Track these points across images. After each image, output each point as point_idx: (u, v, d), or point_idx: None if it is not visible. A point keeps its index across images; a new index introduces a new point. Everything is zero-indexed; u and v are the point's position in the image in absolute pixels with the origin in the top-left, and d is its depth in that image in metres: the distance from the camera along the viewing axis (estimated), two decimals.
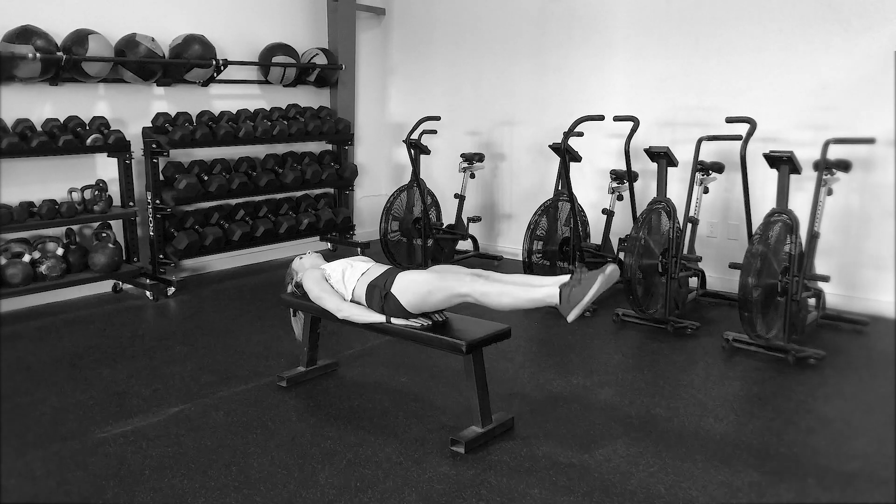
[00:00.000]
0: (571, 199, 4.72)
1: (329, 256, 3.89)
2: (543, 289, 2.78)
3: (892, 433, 3.00)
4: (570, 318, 2.72)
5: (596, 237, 5.17)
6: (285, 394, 3.38)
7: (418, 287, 2.94)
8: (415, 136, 5.75)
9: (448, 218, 6.06)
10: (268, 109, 5.87)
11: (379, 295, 3.02)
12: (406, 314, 2.98)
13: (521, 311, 4.13)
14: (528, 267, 4.66)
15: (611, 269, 2.71)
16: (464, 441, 2.82)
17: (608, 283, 2.69)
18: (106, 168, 5.06)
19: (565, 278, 2.78)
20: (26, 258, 4.49)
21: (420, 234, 5.69)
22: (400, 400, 3.31)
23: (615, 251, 4.95)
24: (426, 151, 5.79)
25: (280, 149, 6.07)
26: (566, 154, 4.72)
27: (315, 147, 6.36)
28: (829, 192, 4.02)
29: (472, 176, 5.97)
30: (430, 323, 3.00)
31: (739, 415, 3.18)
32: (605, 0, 5.49)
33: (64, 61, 4.51)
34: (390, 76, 7.01)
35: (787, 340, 3.82)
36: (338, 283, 3.20)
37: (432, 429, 3.02)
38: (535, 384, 3.51)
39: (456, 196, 5.99)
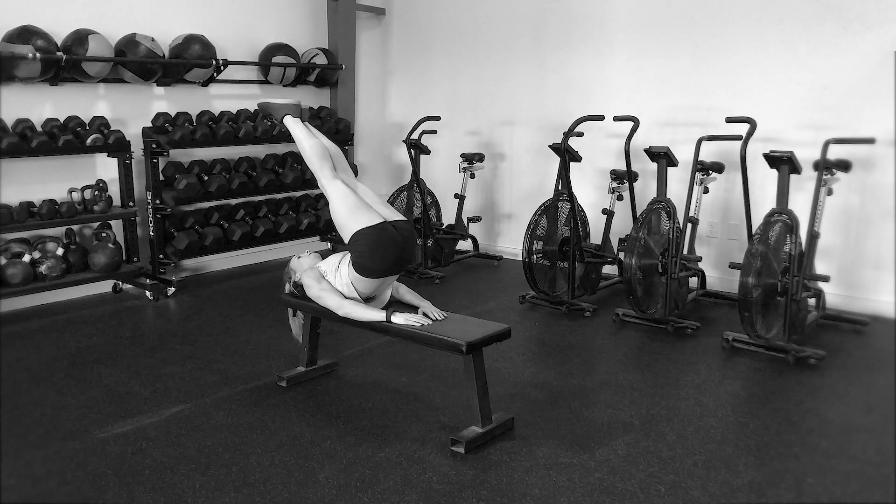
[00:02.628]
0: (571, 199, 4.72)
1: (328, 256, 3.89)
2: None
3: (892, 433, 3.00)
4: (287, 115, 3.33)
5: (596, 237, 5.17)
6: (285, 394, 3.38)
7: (335, 211, 3.09)
8: (415, 136, 5.75)
9: (448, 218, 6.06)
10: None
11: (357, 260, 3.06)
12: (372, 234, 3.01)
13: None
14: (528, 267, 4.66)
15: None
16: (464, 441, 2.83)
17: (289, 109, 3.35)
18: (106, 168, 5.06)
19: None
20: (26, 258, 4.49)
21: (420, 234, 5.69)
22: (400, 400, 3.32)
23: (615, 251, 4.95)
24: (426, 151, 5.79)
25: (280, 149, 6.07)
26: (566, 154, 4.72)
27: None
28: (829, 192, 4.02)
29: (472, 176, 5.97)
30: (430, 322, 3.00)
31: (739, 415, 3.19)
32: (605, 0, 5.49)
33: (64, 61, 4.51)
34: (390, 76, 7.01)
35: (787, 340, 3.82)
36: (333, 276, 3.19)
37: (432, 429, 3.02)
38: (535, 384, 3.51)
39: (456, 196, 5.99)
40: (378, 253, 3.01)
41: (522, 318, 4.57)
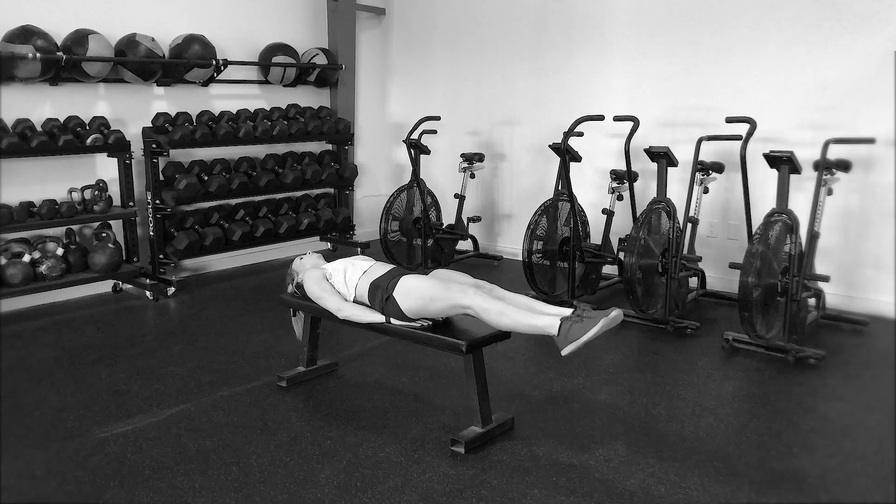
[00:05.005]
0: (571, 199, 4.72)
1: (329, 256, 3.89)
2: (544, 318, 2.73)
3: (892, 433, 3.00)
4: (565, 352, 2.66)
5: (596, 237, 5.16)
6: (285, 394, 3.38)
7: (421, 293, 2.93)
8: (415, 136, 5.75)
9: (448, 218, 6.06)
10: (268, 109, 5.87)
11: (381, 296, 3.02)
12: (405, 318, 2.98)
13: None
14: (528, 267, 4.66)
15: (615, 313, 2.64)
16: (464, 441, 2.82)
17: (610, 325, 2.63)
18: (106, 168, 5.06)
19: (568, 312, 2.75)
20: (26, 258, 4.49)
21: (420, 234, 5.69)
22: (400, 400, 3.31)
23: (615, 251, 4.95)
24: (426, 151, 5.79)
25: (280, 149, 6.07)
26: (566, 154, 4.72)
27: (315, 147, 6.36)
28: (829, 192, 4.02)
29: (472, 176, 5.97)
30: (430, 323, 3.00)
31: (739, 415, 3.18)
32: (605, 0, 5.49)
33: (64, 61, 4.51)
34: (390, 76, 7.01)
35: (787, 340, 3.82)
36: (339, 284, 3.20)
37: (432, 429, 3.02)
38: (535, 384, 3.51)
39: (456, 196, 5.99)
40: (401, 319, 3.01)
41: None
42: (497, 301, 2.82)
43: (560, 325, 2.66)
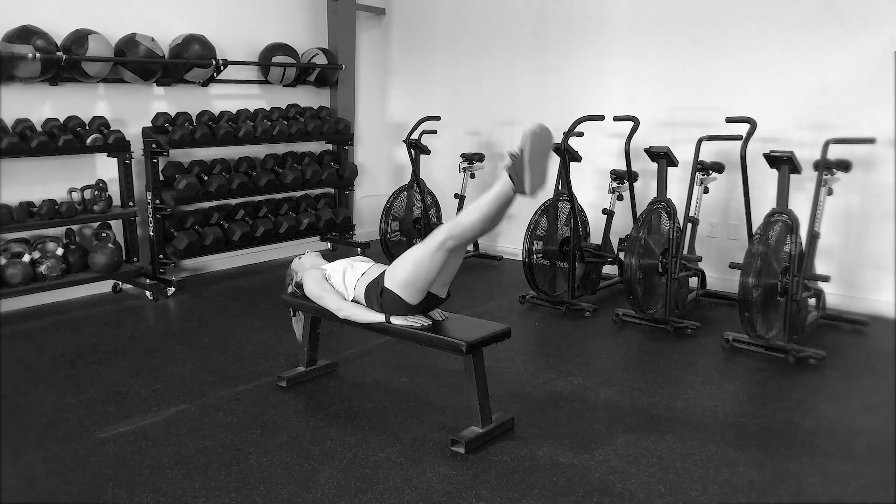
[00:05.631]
0: (571, 199, 4.72)
1: (329, 256, 3.89)
2: (496, 186, 2.75)
3: (892, 433, 3.00)
4: (528, 188, 2.66)
5: (596, 237, 5.16)
6: (285, 394, 3.38)
7: (404, 265, 2.90)
8: (415, 136, 5.76)
9: (448, 218, 6.05)
10: (268, 109, 5.87)
11: (376, 293, 3.02)
12: (404, 305, 2.95)
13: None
14: (528, 267, 4.66)
15: (532, 126, 2.65)
16: (464, 441, 2.82)
17: (538, 138, 2.64)
18: (106, 168, 5.06)
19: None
20: (26, 258, 4.49)
21: (420, 234, 5.69)
22: (400, 400, 3.31)
23: (615, 251, 4.95)
24: (426, 151, 5.79)
25: (280, 149, 6.07)
26: (566, 154, 4.72)
27: (315, 147, 6.36)
28: (829, 192, 4.02)
29: (472, 176, 5.97)
30: (430, 323, 3.00)
31: (739, 415, 3.18)
32: (605, 0, 5.49)
33: (64, 61, 4.51)
34: (390, 76, 7.01)
35: (787, 340, 3.82)
36: (338, 284, 3.20)
37: (432, 429, 3.02)
38: (535, 384, 3.51)
39: (456, 196, 5.99)
40: (395, 311, 2.99)
41: (522, 318, 4.57)
42: (460, 213, 2.86)
43: (509, 176, 2.70)
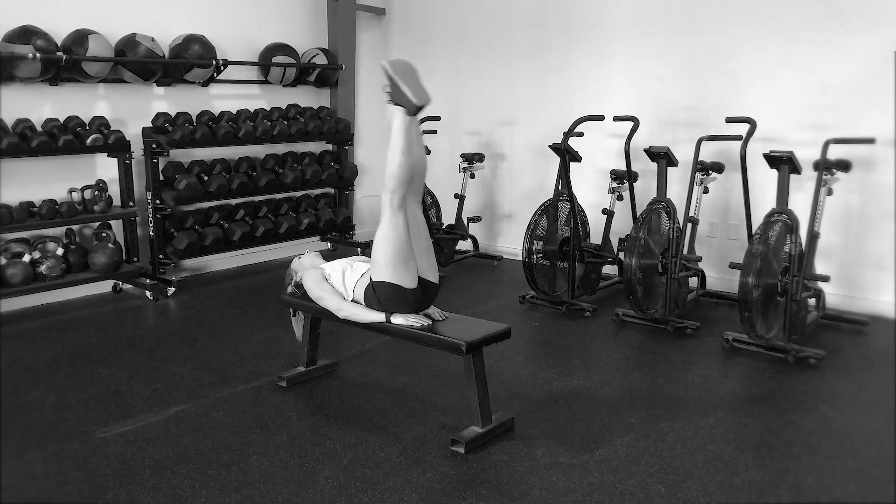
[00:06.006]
0: (571, 199, 4.72)
1: (329, 256, 3.89)
2: (393, 120, 2.85)
3: (892, 433, 3.00)
4: (413, 99, 2.77)
5: (596, 237, 5.16)
6: (285, 394, 3.38)
7: (378, 249, 2.89)
8: None
9: (448, 218, 6.06)
10: (268, 109, 5.87)
11: (371, 293, 3.02)
12: (402, 292, 2.92)
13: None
14: (528, 267, 4.66)
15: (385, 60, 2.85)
16: (464, 441, 2.82)
17: (396, 64, 2.84)
18: (106, 168, 5.06)
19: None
20: (26, 258, 4.49)
21: None
22: (400, 400, 3.31)
23: (615, 251, 4.95)
24: (426, 151, 5.78)
25: (280, 149, 6.07)
26: (566, 154, 4.72)
27: (315, 147, 6.36)
28: (829, 192, 4.02)
29: (472, 176, 5.97)
30: (430, 323, 3.00)
31: (739, 415, 3.18)
32: (605, 0, 5.49)
33: (64, 61, 4.51)
34: None
35: (787, 340, 3.82)
36: (338, 284, 3.20)
37: (432, 429, 3.02)
38: (535, 384, 3.51)
39: (456, 196, 5.99)
40: (394, 305, 2.98)
41: (522, 318, 4.57)
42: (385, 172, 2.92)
43: (395, 104, 2.84)
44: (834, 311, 4.43)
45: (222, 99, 5.79)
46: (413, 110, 2.78)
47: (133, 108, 5.24)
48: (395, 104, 2.82)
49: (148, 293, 4.99)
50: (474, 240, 6.15)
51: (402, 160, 2.84)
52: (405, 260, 2.88)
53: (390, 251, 2.87)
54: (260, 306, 4.80)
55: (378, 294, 2.98)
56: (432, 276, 3.01)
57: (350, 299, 3.15)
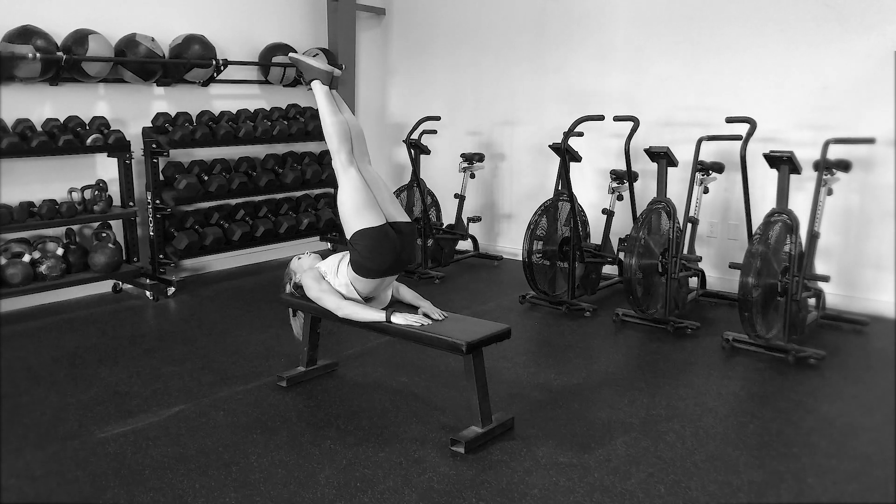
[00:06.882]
0: (571, 199, 4.72)
1: (328, 256, 3.88)
2: (316, 96, 3.16)
3: (892, 433, 3.00)
4: (322, 68, 3.16)
5: (596, 237, 5.16)
6: (285, 394, 3.38)
7: (342, 208, 3.05)
8: (415, 136, 5.75)
9: (448, 218, 6.06)
10: (268, 109, 5.87)
11: (355, 254, 3.04)
12: (375, 234, 2.98)
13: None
14: (528, 267, 4.66)
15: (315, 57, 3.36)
16: (464, 441, 2.83)
17: (306, 56, 3.26)
18: (106, 168, 5.06)
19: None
20: (26, 258, 4.49)
21: (420, 234, 5.69)
22: (400, 400, 3.32)
23: (615, 251, 4.95)
24: (426, 151, 5.79)
25: (280, 149, 6.07)
26: (566, 154, 4.72)
27: (315, 147, 6.35)
28: (829, 192, 4.02)
29: (472, 176, 5.97)
30: (430, 322, 3.00)
31: (739, 415, 3.19)
32: (605, 0, 5.49)
33: (64, 61, 4.51)
34: (390, 76, 7.01)
35: (787, 340, 3.82)
36: (333, 280, 3.18)
37: (432, 429, 3.02)
38: (535, 384, 3.51)
39: (456, 196, 5.99)
40: (376, 254, 3.00)
41: (522, 318, 4.57)
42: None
43: (312, 81, 3.19)
44: (834, 311, 4.43)
45: (222, 99, 5.79)
46: (326, 78, 3.15)
47: (133, 108, 5.24)
48: (312, 80, 3.17)
49: (148, 293, 4.99)
50: (474, 240, 6.15)
51: (332, 119, 3.10)
52: (368, 205, 3.04)
53: (352, 202, 3.04)
54: (260, 306, 4.80)
55: (358, 249, 3.01)
56: (402, 217, 3.15)
57: (344, 283, 3.14)
